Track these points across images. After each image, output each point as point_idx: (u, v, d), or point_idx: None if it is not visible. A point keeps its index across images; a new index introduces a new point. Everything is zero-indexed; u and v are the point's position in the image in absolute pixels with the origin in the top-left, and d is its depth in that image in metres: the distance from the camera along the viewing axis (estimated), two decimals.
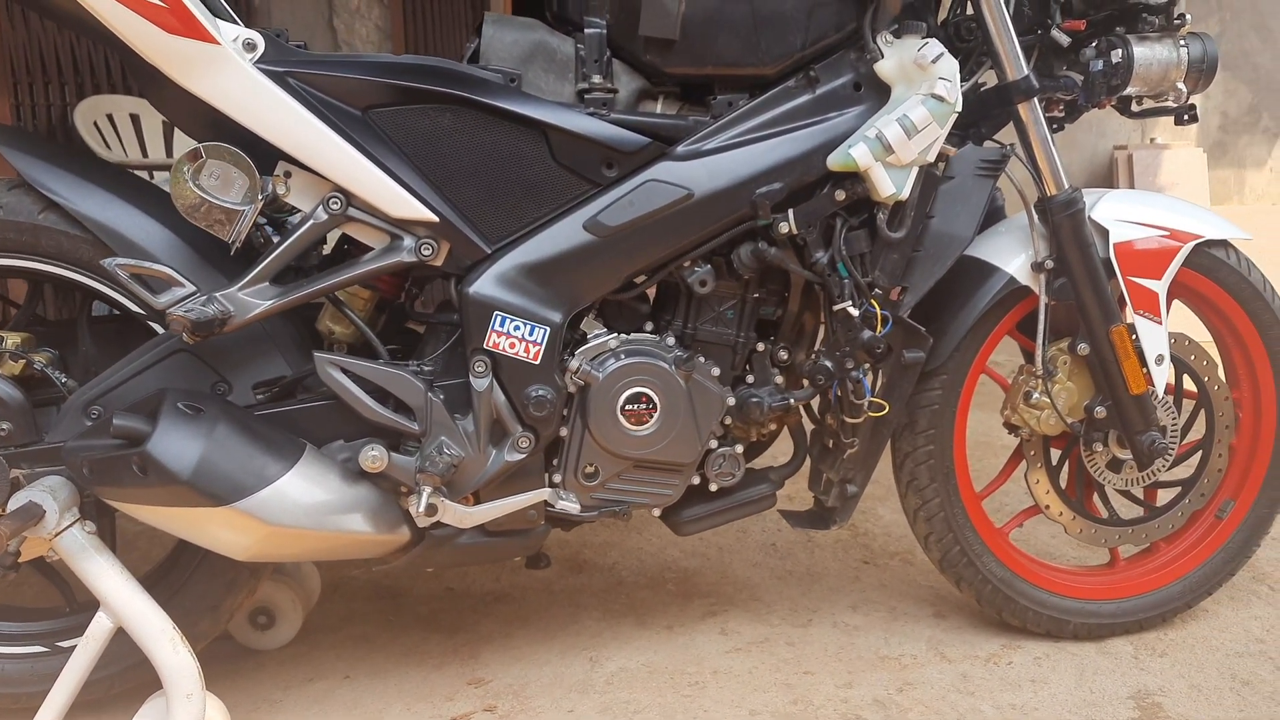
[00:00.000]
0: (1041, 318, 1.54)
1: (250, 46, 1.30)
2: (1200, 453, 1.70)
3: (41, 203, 1.32)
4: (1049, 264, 1.52)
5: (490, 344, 1.37)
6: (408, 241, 1.36)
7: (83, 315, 1.42)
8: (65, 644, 1.39)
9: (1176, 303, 1.63)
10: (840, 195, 1.42)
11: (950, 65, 1.38)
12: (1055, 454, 1.68)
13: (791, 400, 1.51)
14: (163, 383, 1.33)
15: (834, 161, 1.40)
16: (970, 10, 1.50)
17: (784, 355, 1.53)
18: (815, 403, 1.66)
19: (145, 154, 2.99)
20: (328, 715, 1.48)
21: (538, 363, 1.39)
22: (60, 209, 1.31)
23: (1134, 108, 1.58)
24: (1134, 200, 1.59)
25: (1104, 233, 1.54)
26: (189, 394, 1.28)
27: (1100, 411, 1.58)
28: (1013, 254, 1.57)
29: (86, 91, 3.00)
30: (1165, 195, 1.64)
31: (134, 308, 1.35)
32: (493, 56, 1.41)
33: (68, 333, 1.43)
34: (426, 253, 1.36)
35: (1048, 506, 1.66)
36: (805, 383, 1.50)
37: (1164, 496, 1.73)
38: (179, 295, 1.27)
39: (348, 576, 1.93)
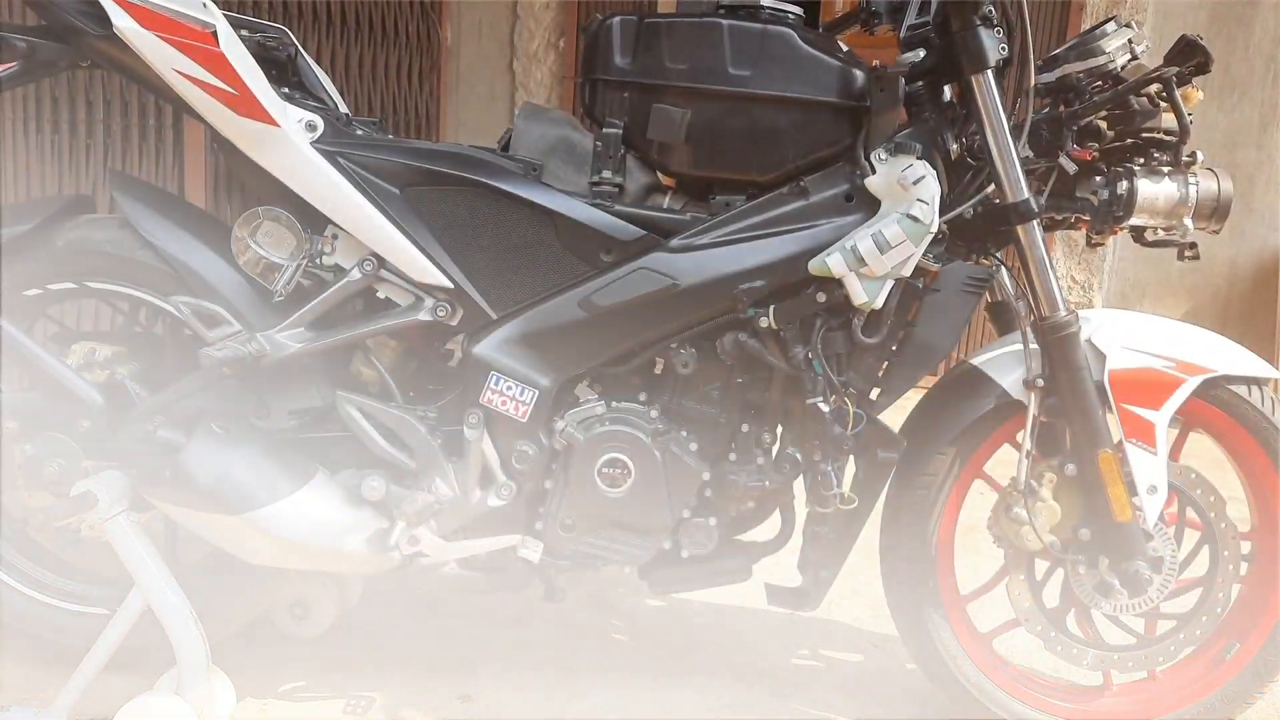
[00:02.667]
0: (1027, 434, 1.56)
1: (312, 127, 1.53)
2: (1201, 590, 1.66)
3: (140, 241, 1.60)
4: (1039, 382, 1.55)
5: (485, 399, 1.55)
6: (428, 303, 1.55)
7: (168, 336, 1.70)
8: None
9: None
10: (821, 298, 1.50)
11: (930, 188, 1.44)
12: (1044, 566, 1.69)
13: (767, 482, 1.60)
14: (215, 404, 1.58)
15: (813, 267, 1.49)
16: None
17: (768, 438, 1.63)
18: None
19: None
20: (323, 705, 1.69)
21: (525, 420, 1.55)
22: (153, 247, 1.59)
23: (1147, 237, 1.58)
24: (1146, 327, 1.58)
25: (1101, 357, 1.54)
26: (225, 415, 1.53)
27: (1085, 534, 1.58)
28: (1010, 368, 1.60)
29: None
30: (1188, 324, 1.62)
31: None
32: (520, 146, 1.59)
33: (156, 347, 1.71)
34: (442, 314, 1.55)
35: (1027, 619, 1.67)
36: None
37: (1163, 626, 1.69)
38: (226, 332, 1.52)
39: (396, 582, 2.15)
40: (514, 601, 2.10)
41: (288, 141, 1.50)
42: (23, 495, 1.64)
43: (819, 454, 1.55)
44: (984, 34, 1.49)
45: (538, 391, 1.55)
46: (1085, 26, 3.92)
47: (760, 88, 1.49)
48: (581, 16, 4.28)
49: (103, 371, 1.61)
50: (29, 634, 1.71)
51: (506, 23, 4.35)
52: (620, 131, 1.56)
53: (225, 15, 1.48)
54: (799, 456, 1.57)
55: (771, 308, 1.51)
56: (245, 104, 1.47)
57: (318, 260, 1.55)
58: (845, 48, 1.55)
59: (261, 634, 1.86)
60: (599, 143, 1.57)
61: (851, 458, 1.60)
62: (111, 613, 1.67)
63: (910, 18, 1.54)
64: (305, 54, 1.73)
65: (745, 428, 1.61)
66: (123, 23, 1.43)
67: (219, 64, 1.45)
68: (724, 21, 1.49)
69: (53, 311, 1.79)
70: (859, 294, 1.47)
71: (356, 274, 1.54)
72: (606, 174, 1.55)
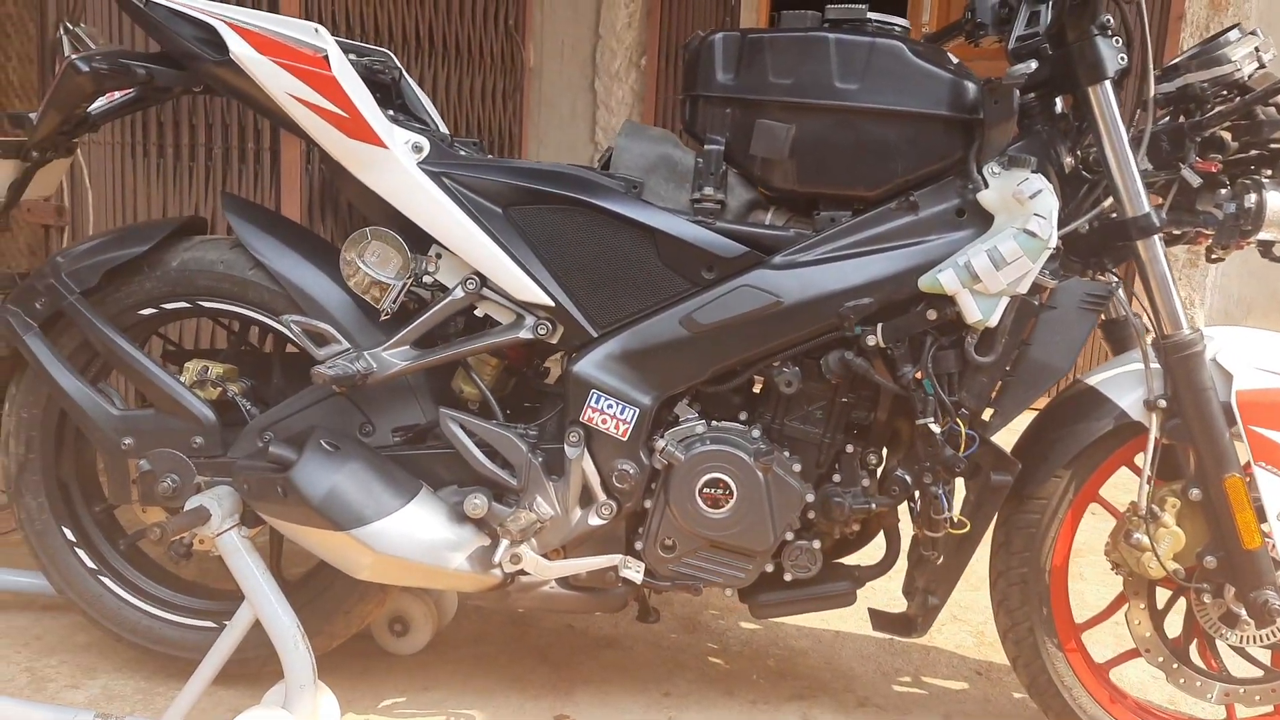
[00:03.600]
0: (1149, 457, 1.50)
1: (418, 149, 1.55)
2: None
3: (252, 261, 1.63)
4: (1161, 403, 1.49)
5: (585, 418, 1.54)
6: (529, 321, 1.56)
7: (277, 353, 1.73)
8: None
9: None
10: (932, 315, 1.47)
11: (1048, 202, 1.40)
12: (1165, 594, 1.62)
13: (873, 505, 1.56)
14: (323, 419, 1.60)
15: (924, 283, 1.45)
16: None
17: (873, 459, 1.59)
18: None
19: None
20: None
21: (625, 439, 1.54)
22: (264, 267, 1.62)
23: (1275, 251, 1.51)
24: (1277, 345, 1.51)
25: (1228, 376, 1.48)
26: (333, 432, 1.54)
27: (1210, 562, 1.51)
28: (1129, 388, 1.54)
29: None
30: None
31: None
32: (621, 164, 1.59)
33: (265, 364, 1.74)
34: (543, 332, 1.55)
35: (1147, 650, 1.60)
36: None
37: None
38: (334, 350, 1.54)
39: (487, 599, 2.15)
40: (604, 621, 2.09)
41: (395, 163, 1.52)
42: (136, 510, 1.68)
43: (929, 476, 1.51)
44: (1102, 43, 1.45)
45: (638, 410, 1.53)
46: (1184, 37, 3.82)
47: (868, 101, 1.46)
48: (663, 36, 4.29)
49: (214, 389, 1.64)
50: (139, 646, 1.75)
51: (588, 43, 4.38)
52: (722, 148, 1.54)
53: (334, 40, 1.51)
54: (908, 479, 1.53)
55: (879, 325, 1.48)
56: (355, 126, 1.49)
57: (422, 279, 1.57)
58: (954, 59, 1.52)
59: (362, 648, 1.87)
60: (700, 159, 1.56)
61: (960, 480, 1.55)
62: (218, 626, 1.70)
63: (1019, 28, 1.51)
64: (408, 77, 1.75)
65: (849, 448, 1.58)
66: (239, 48, 1.47)
67: (330, 87, 1.47)
68: (830, 35, 1.47)
69: (161, 329, 1.84)
70: (973, 311, 1.43)
71: (460, 292, 1.55)
72: (708, 191, 1.54)
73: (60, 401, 1.64)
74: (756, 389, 1.61)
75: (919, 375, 1.48)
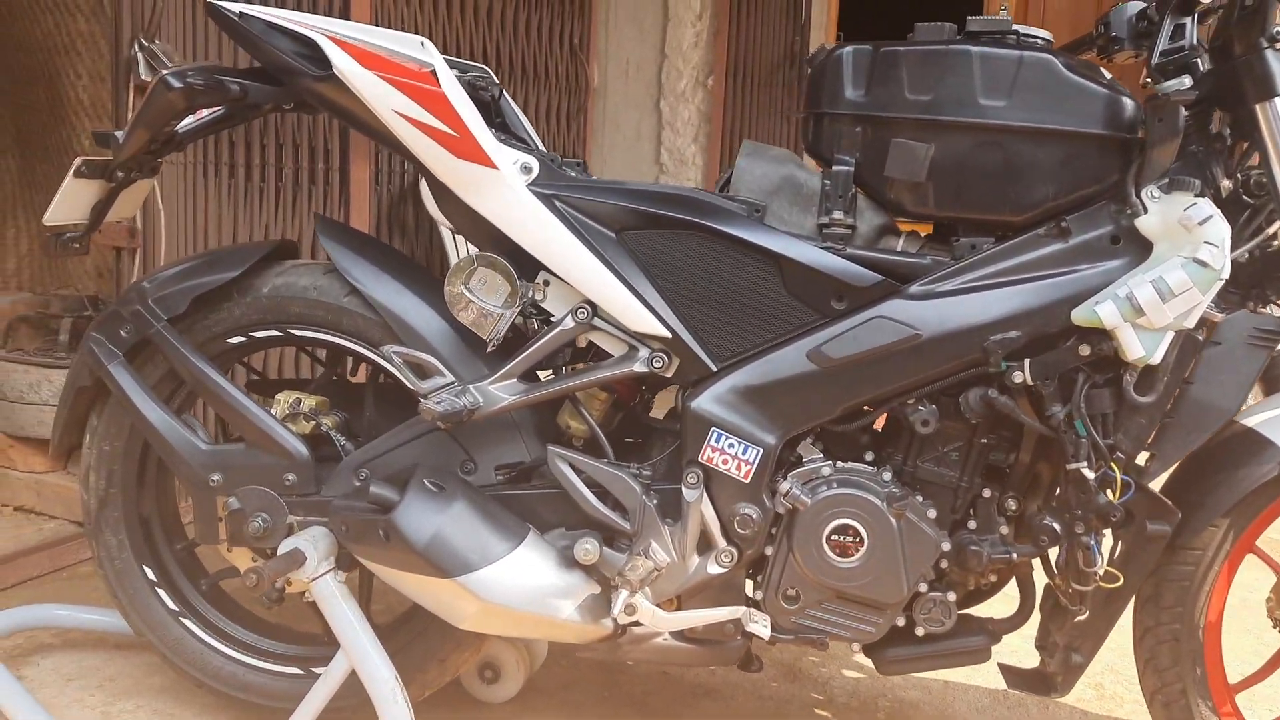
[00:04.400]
0: None
1: (527, 170, 1.46)
2: None
3: (347, 288, 1.54)
4: None
5: (705, 458, 1.43)
6: (642, 353, 1.46)
7: (370, 385, 1.65)
8: (318, 670, 1.60)
9: None
10: (1085, 351, 1.35)
11: (1220, 229, 1.28)
12: None
13: (1014, 554, 1.44)
14: (421, 457, 1.51)
15: (1079, 316, 1.34)
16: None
17: (1013, 505, 1.47)
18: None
19: None
20: None
21: (748, 481, 1.43)
22: (360, 294, 1.53)
23: None
24: None
25: None
26: (436, 471, 1.45)
27: None
28: None
29: None
30: None
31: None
32: (742, 187, 1.49)
33: (356, 395, 1.66)
34: (658, 365, 1.45)
35: None
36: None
37: None
38: (438, 384, 1.45)
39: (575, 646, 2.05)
40: (701, 670, 1.98)
41: (504, 184, 1.43)
42: (221, 550, 1.59)
43: (1081, 525, 1.39)
44: (1272, 57, 1.33)
45: (762, 450, 1.43)
46: None
47: (1016, 119, 1.35)
48: (731, 55, 4.21)
49: (307, 422, 1.55)
50: (221, 692, 1.66)
51: (654, 62, 4.30)
52: (852, 169, 1.44)
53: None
54: (1056, 527, 1.40)
55: (1026, 361, 1.36)
56: (465, 146, 1.40)
57: (528, 308, 1.47)
58: (1107, 74, 1.41)
59: (450, 696, 1.77)
60: (827, 181, 1.46)
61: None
62: (303, 673, 1.61)
63: (1163, 43, 1.39)
64: (507, 95, 1.67)
65: (987, 493, 1.46)
66: (343, 63, 1.39)
67: (439, 105, 1.39)
68: (974, 48, 1.37)
69: (234, 357, 1.75)
70: (1134, 348, 1.31)
71: (570, 322, 1.46)
72: (838, 215, 1.44)
73: (145, 434, 1.55)
74: (887, 427, 1.49)
75: (1070, 416, 1.36)
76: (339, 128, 3.00)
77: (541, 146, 1.69)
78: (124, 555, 1.65)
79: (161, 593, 1.66)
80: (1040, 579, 1.55)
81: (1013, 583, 1.56)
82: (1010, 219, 1.39)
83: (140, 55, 2.33)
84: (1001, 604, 1.57)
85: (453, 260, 3.17)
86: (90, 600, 2.08)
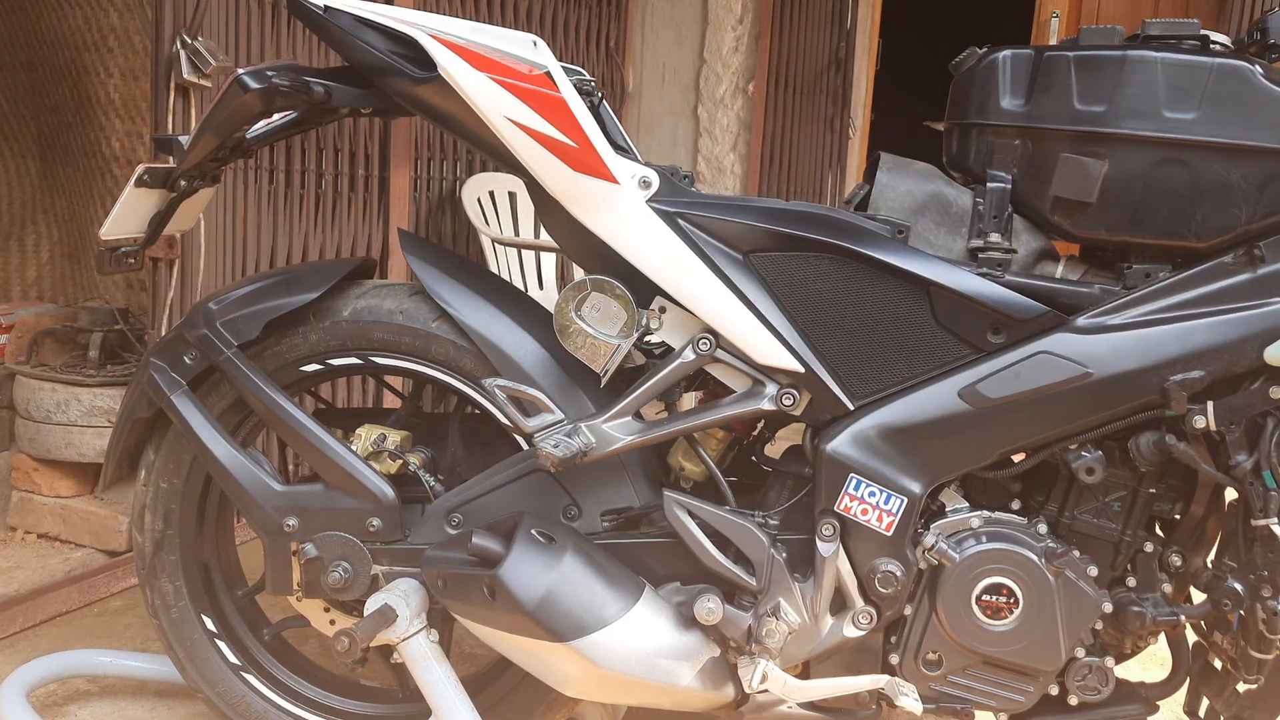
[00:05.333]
0: None
1: (645, 184, 1.31)
2: None
3: (436, 311, 1.39)
4: None
5: (842, 507, 1.29)
6: (769, 389, 1.31)
7: (455, 418, 1.49)
8: None
9: None
10: (1277, 394, 1.21)
11: None
12: None
13: (1182, 616, 1.30)
14: (521, 500, 1.36)
15: (1272, 355, 1.20)
16: None
17: (1177, 560, 1.33)
18: None
19: (517, 231, 3.20)
20: None
21: (890, 534, 1.28)
22: (451, 319, 1.38)
23: None
24: None
25: None
26: (542, 519, 1.30)
27: None
28: None
29: (474, 169, 3.27)
30: None
31: (505, 422, 1.39)
32: (883, 205, 1.34)
33: (439, 429, 1.50)
34: (787, 403, 1.31)
35: None
36: (1203, 596, 1.29)
37: None
38: (547, 421, 1.30)
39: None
40: None
41: (624, 201, 1.28)
42: (292, 600, 1.44)
43: (1269, 589, 1.24)
44: None
45: (906, 499, 1.28)
46: None
47: (1207, 134, 1.21)
48: (773, 60, 4.06)
49: (393, 461, 1.40)
50: None
51: (692, 67, 4.16)
52: (1009, 186, 1.30)
53: None
54: (1240, 589, 1.26)
55: (1209, 404, 1.22)
56: (583, 157, 1.26)
57: (644, 337, 1.33)
58: None
59: None
60: (980, 199, 1.31)
61: None
62: None
63: None
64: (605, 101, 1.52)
65: (1149, 547, 1.32)
66: (451, 64, 1.23)
67: (559, 112, 1.24)
68: (1157, 55, 1.23)
69: (305, 386, 1.60)
70: None
71: (690, 354, 1.31)
72: (994, 237, 1.29)
73: (213, 472, 1.40)
74: (1040, 473, 1.35)
75: (1258, 466, 1.22)
76: (379, 132, 2.85)
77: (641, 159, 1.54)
78: (181, 603, 1.49)
79: (222, 644, 1.50)
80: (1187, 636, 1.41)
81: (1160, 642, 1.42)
82: (1194, 245, 1.25)
83: (183, 53, 2.18)
84: (1135, 665, 1.43)
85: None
86: (125, 639, 1.94)
